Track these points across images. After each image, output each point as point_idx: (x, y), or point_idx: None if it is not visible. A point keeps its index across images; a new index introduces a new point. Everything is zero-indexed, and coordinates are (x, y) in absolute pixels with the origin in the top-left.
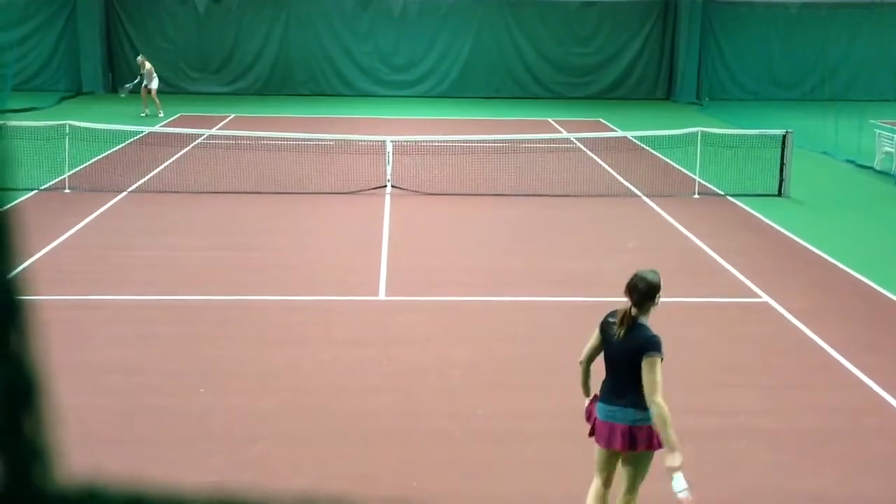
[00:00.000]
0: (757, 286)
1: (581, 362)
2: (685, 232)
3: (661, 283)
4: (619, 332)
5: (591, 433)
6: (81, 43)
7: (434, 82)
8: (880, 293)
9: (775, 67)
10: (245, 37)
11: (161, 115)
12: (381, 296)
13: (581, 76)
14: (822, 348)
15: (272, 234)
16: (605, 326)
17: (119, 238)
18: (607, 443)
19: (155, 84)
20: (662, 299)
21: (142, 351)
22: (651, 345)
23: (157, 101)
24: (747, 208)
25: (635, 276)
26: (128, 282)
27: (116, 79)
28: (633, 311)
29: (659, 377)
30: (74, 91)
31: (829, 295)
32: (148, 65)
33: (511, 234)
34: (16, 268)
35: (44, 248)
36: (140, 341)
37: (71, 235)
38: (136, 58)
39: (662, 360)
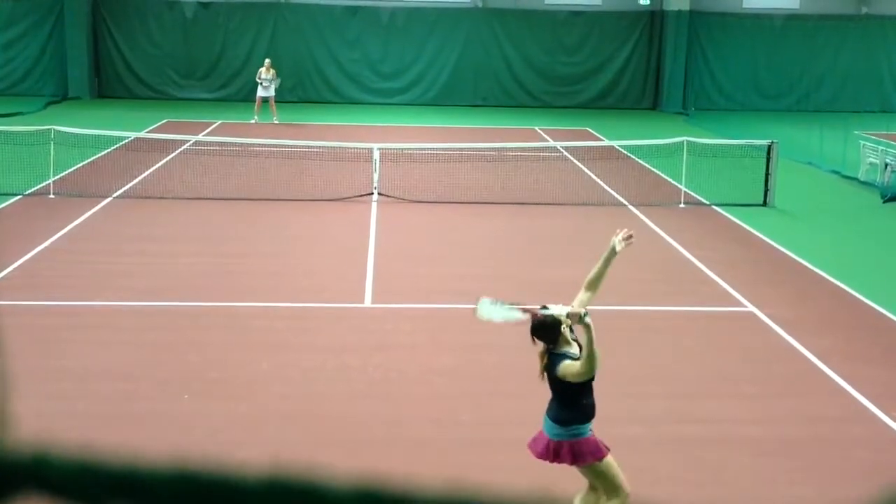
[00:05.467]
0: (742, 296)
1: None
2: (671, 241)
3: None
4: (543, 370)
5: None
6: (68, 48)
7: (422, 90)
8: (864, 303)
9: (761, 78)
10: (233, 43)
11: (254, 120)
12: (367, 303)
13: (568, 85)
14: (806, 357)
15: (258, 241)
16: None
17: (104, 244)
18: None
19: (272, 92)
20: (646, 308)
21: (125, 357)
22: (559, 357)
23: (257, 108)
24: (733, 218)
25: (536, 322)
26: (112, 287)
27: (103, 84)
28: (550, 349)
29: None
30: (60, 96)
31: (813, 304)
32: (273, 70)
33: (497, 243)
34: None
35: (28, 253)
36: (124, 347)
37: (55, 241)
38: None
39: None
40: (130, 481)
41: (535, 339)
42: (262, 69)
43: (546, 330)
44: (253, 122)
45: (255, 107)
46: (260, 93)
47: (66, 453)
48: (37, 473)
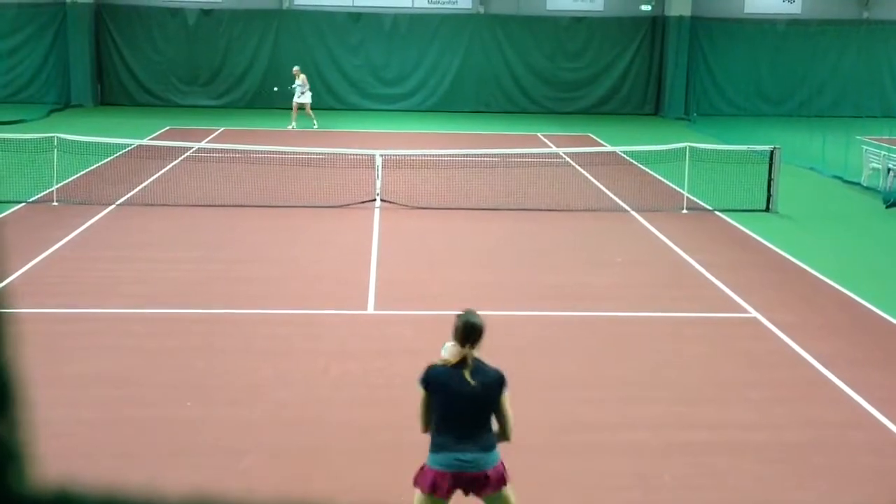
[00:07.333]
0: (745, 301)
1: (426, 430)
2: (673, 247)
3: None
4: (468, 377)
5: (431, 489)
6: (71, 55)
7: (424, 96)
8: (867, 308)
9: (763, 83)
10: (235, 49)
11: (314, 125)
12: (370, 309)
13: (570, 91)
14: (809, 363)
15: (261, 248)
16: (436, 380)
17: (107, 251)
18: (452, 492)
19: (307, 98)
20: (650, 314)
21: (129, 363)
22: (505, 379)
23: (309, 114)
24: (735, 223)
25: (468, 319)
26: (115, 294)
27: (106, 91)
28: (472, 353)
29: None
30: (63, 103)
31: (816, 309)
32: (302, 76)
33: (500, 248)
34: None
35: (31, 260)
36: (127, 354)
37: (58, 248)
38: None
39: None
40: None
41: (467, 339)
42: (301, 73)
43: (483, 333)
44: (313, 127)
45: (310, 113)
46: (306, 99)
47: (87, 489)
48: None
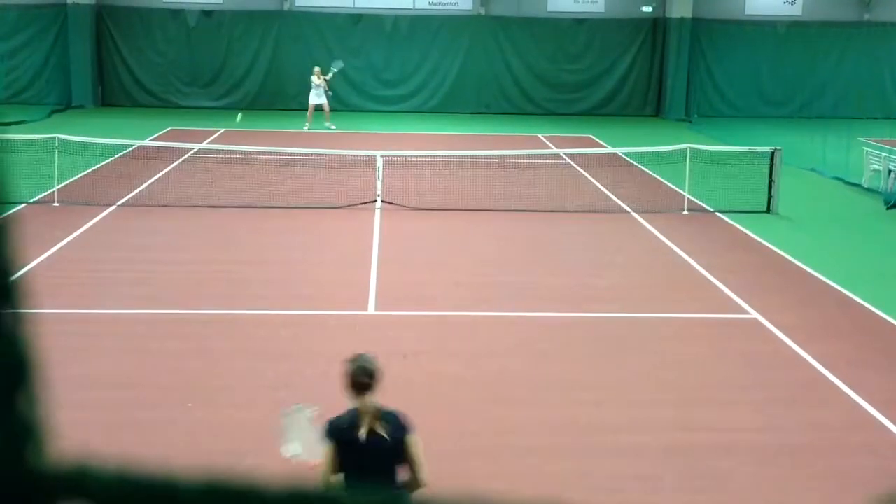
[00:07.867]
0: (745, 302)
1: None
2: (674, 248)
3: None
4: (377, 427)
5: None
6: (72, 56)
7: (425, 98)
8: (868, 309)
9: (764, 85)
10: (236, 50)
11: (306, 127)
12: (371, 310)
13: (571, 93)
14: (810, 364)
15: (261, 249)
16: (340, 433)
17: (107, 252)
18: None
19: (322, 100)
20: (650, 315)
21: (129, 365)
22: (410, 422)
23: (309, 115)
24: (736, 225)
25: (361, 365)
26: (116, 295)
27: (107, 92)
28: (373, 400)
29: None
30: (64, 104)
31: (817, 311)
32: (324, 78)
33: (500, 250)
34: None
35: (32, 261)
36: (128, 355)
37: (59, 249)
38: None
39: None
40: (169, 492)
41: (364, 387)
42: (313, 76)
43: (380, 376)
44: (306, 127)
45: (308, 115)
46: (321, 100)
47: (105, 465)
48: (77, 485)
